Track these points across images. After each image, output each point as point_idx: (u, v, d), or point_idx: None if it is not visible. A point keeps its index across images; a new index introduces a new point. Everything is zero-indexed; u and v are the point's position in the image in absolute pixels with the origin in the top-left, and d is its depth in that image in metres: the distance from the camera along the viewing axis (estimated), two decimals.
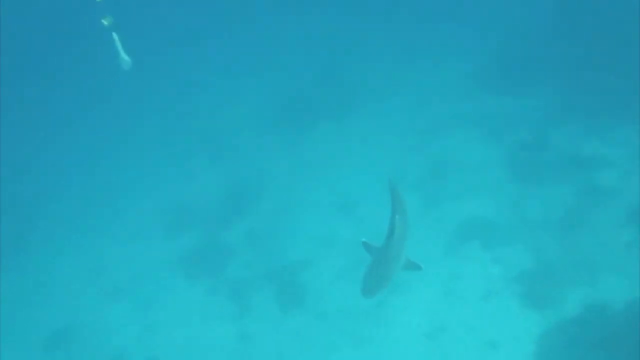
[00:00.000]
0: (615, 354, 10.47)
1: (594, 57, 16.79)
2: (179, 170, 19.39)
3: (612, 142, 14.57)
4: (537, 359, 10.98)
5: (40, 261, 17.34)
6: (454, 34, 21.27)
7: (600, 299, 11.36)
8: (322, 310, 13.27)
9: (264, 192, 17.21)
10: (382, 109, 19.29)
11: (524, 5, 20.83)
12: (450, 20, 22.02)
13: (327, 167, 17.47)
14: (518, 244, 13.05)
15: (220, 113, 21.60)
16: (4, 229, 18.73)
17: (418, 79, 20.09)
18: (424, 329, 12.19)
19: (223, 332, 13.48)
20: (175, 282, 15.11)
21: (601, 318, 11.09)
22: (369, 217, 15.04)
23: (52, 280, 16.45)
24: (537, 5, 20.09)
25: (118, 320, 14.45)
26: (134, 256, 16.37)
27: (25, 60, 28.27)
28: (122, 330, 14.10)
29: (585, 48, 17.31)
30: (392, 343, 12.13)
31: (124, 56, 12.01)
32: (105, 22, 12.02)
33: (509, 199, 14.20)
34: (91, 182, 20.34)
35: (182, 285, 14.96)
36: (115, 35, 12.08)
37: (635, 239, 12.21)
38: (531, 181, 14.44)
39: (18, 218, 19.31)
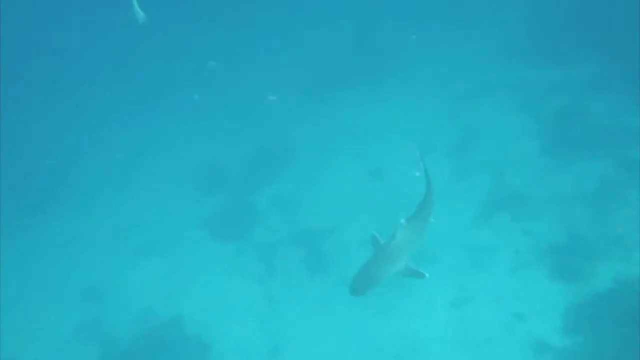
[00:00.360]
0: None
1: (636, 26, 16.11)
2: (211, 131, 19.47)
3: None
4: (564, 333, 10.88)
5: (73, 218, 17.70)
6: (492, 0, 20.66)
7: (633, 274, 11.14)
8: (347, 277, 13.24)
9: (294, 156, 17.23)
10: (416, 75, 19.02)
11: None
12: None
13: (358, 133, 17.38)
14: (549, 217, 12.82)
15: (254, 75, 21.46)
16: (39, 185, 19.14)
17: (453, 46, 19.67)
18: (450, 298, 12.16)
19: (248, 293, 13.64)
20: (204, 242, 15.31)
21: (632, 294, 10.90)
22: (398, 184, 14.96)
23: (85, 236, 16.81)
24: None
25: (147, 277, 14.73)
26: (165, 215, 16.61)
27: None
28: (151, 288, 14.37)
29: (627, 17, 16.61)
30: (417, 311, 12.14)
31: (139, 10, 11.86)
32: None
33: (542, 170, 13.93)
34: (124, 140, 20.58)
35: (210, 245, 15.15)
36: None
37: None
38: (565, 153, 14.12)
39: (52, 175, 19.67)
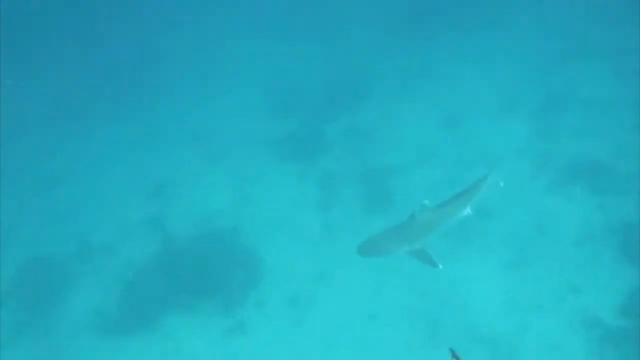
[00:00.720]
0: None
1: None
2: (295, 53, 19.35)
3: None
4: (620, 314, 10.53)
5: (154, 116, 18.25)
6: None
7: None
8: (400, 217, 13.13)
9: (373, 91, 16.96)
10: (512, 29, 18.08)
11: None
12: None
13: (440, 78, 16.86)
14: (629, 194, 12.18)
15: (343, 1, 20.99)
16: (128, 78, 19.80)
17: (550, 4, 18.40)
18: (507, 259, 11.92)
19: (305, 218, 13.80)
20: (271, 161, 15.50)
21: None
22: (473, 137, 14.53)
23: (162, 135, 17.33)
24: None
25: (213, 184, 15.15)
26: (239, 128, 16.86)
27: None
28: (214, 195, 14.79)
29: None
30: (470, 265, 11.97)
31: None
32: None
33: (631, 144, 13.10)
34: (212, 49, 20.76)
35: (277, 165, 15.33)
36: None
37: None
38: None
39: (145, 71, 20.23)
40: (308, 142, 15.68)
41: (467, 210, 9.96)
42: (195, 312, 12.07)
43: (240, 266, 12.73)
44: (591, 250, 11.62)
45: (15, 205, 15.26)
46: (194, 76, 19.56)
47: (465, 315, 11.11)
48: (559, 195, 12.66)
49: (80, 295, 12.73)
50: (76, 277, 13.11)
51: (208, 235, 13.52)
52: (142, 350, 11.61)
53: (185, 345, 11.59)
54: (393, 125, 15.68)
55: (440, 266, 9.68)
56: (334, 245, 13.05)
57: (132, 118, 18.14)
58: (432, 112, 15.83)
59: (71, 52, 21.00)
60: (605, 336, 10.35)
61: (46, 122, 18.28)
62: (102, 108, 18.62)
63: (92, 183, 15.82)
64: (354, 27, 19.80)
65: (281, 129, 16.36)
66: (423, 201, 9.96)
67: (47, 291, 12.82)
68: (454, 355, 2.82)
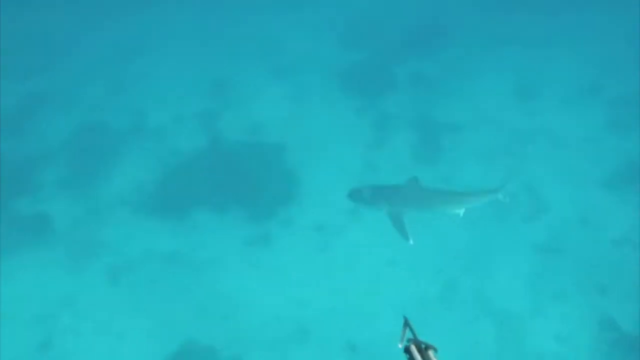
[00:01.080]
0: None
1: None
2: None
3: None
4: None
5: (222, 16, 18.16)
6: None
7: None
8: (449, 176, 12.95)
9: (450, 43, 16.41)
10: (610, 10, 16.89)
11: None
12: None
13: (526, 47, 16.13)
14: None
15: None
16: None
17: None
18: (538, 243, 11.70)
19: (353, 152, 13.70)
20: (333, 89, 15.35)
21: None
22: (538, 113, 14.04)
23: (229, 36, 17.35)
24: None
25: (270, 98, 15.17)
26: (305, 47, 16.69)
27: None
28: (269, 108, 14.83)
29: None
30: (502, 240, 11.76)
31: None
32: None
33: None
34: None
35: (337, 94, 15.18)
36: None
37: None
38: None
39: None
40: (372, 78, 15.40)
41: (460, 212, 9.90)
42: (225, 213, 12.38)
43: (276, 181, 12.90)
44: (628, 254, 11.28)
45: (86, 69, 15.69)
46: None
47: (484, 285, 11.06)
48: (613, 191, 12.22)
49: (124, 168, 13.22)
50: (124, 151, 13.57)
51: (254, 144, 13.67)
52: (167, 235, 12.05)
53: (208, 241, 11.94)
54: (461, 82, 15.24)
55: (411, 241, 9.69)
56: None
57: (209, 12, 18.11)
58: (505, 79, 15.27)
59: None
60: (617, 341, 10.19)
61: None
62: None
63: (161, 64, 16.11)
64: None
65: (348, 58, 16.11)
66: (414, 175, 10.21)
67: (95, 157, 13.35)
68: (406, 323, 2.75)
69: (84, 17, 17.59)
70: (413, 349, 2.75)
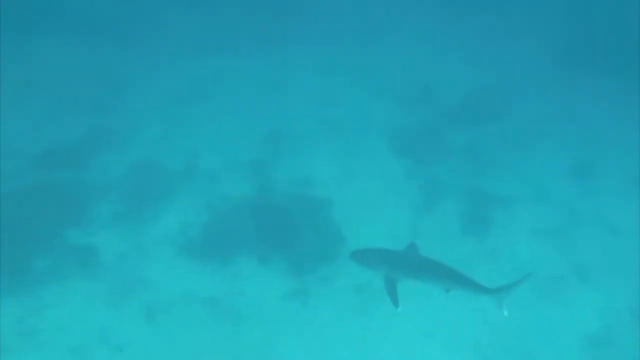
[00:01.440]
0: None
1: None
2: (444, 49, 19.18)
3: None
4: None
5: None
6: None
7: None
8: (496, 249, 12.70)
9: (509, 115, 16.53)
10: None
11: None
12: None
13: (583, 125, 15.98)
14: None
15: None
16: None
17: None
18: (587, 330, 11.21)
19: (400, 216, 13.62)
20: (382, 147, 15.43)
21: None
22: (594, 193, 13.83)
23: (285, 85, 17.85)
24: None
25: (322, 152, 15.30)
26: (361, 104, 16.96)
27: None
28: (321, 163, 14.91)
29: None
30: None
31: None
32: None
33: None
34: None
35: (387, 153, 15.31)
36: None
37: None
38: None
39: None
40: (426, 142, 15.45)
41: (452, 291, 9.41)
42: (267, 264, 12.38)
43: (321, 237, 12.87)
44: None
45: (147, 110, 16.34)
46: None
47: None
48: None
49: (173, 208, 13.44)
50: (175, 191, 13.83)
51: (302, 197, 13.74)
52: (208, 279, 12.08)
53: (247, 290, 11.93)
54: (516, 156, 15.14)
55: (399, 309, 9.17)
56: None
57: (268, 63, 18.76)
58: (562, 156, 15.12)
59: None
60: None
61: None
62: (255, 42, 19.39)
63: (219, 110, 16.55)
64: (520, 44, 19.07)
65: (403, 119, 16.25)
66: (413, 240, 9.82)
67: (147, 195, 13.64)
68: None
69: (150, 60, 18.36)
70: None
